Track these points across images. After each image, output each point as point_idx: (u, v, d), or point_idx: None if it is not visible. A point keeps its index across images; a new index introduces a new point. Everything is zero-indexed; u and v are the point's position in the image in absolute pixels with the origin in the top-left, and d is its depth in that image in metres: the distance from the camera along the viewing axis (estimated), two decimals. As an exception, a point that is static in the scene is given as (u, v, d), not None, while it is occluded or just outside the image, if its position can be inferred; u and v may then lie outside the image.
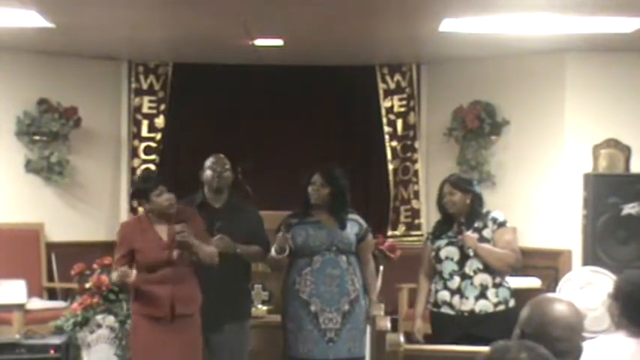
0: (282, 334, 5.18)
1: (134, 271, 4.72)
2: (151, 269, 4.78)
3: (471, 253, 4.92)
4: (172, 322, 4.74)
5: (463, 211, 4.99)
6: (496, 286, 4.94)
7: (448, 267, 4.97)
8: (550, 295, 2.97)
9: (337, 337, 5.01)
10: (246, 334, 5.30)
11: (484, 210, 5.04)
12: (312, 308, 5.03)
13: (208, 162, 5.28)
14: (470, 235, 4.92)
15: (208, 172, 5.24)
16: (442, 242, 5.02)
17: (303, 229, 5.10)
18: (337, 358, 5.02)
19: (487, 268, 4.93)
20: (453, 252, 4.97)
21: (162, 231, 4.80)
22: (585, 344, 2.84)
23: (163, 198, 4.76)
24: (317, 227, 5.10)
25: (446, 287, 4.96)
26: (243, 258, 5.19)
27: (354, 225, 5.15)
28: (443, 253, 4.99)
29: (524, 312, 2.80)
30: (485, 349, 2.39)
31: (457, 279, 4.93)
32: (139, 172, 8.03)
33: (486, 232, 4.97)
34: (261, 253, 5.25)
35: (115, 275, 4.80)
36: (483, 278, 4.92)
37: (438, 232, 5.09)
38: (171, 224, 4.77)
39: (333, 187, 5.08)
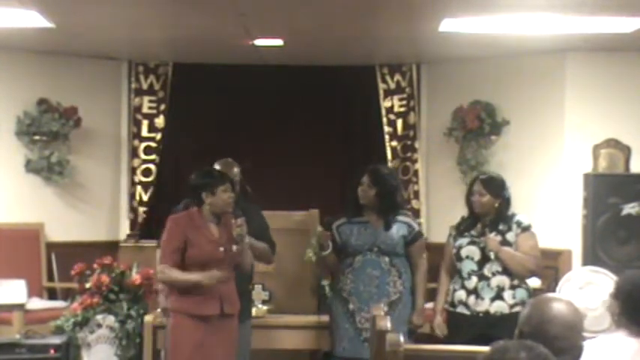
0: (330, 334, 5.26)
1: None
2: (203, 266, 4.69)
3: (492, 256, 4.92)
4: (219, 322, 4.71)
5: (490, 213, 4.99)
6: (513, 287, 4.94)
7: (467, 266, 4.97)
8: (550, 294, 2.98)
9: None
10: (248, 335, 5.30)
11: (509, 212, 5.04)
12: (350, 307, 5.09)
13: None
14: (493, 238, 4.92)
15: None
16: (464, 241, 5.01)
17: (348, 229, 5.16)
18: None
19: (506, 271, 4.93)
20: (473, 252, 4.97)
21: (214, 229, 4.76)
22: (586, 344, 2.84)
23: (227, 195, 4.74)
24: (362, 227, 5.14)
25: (463, 287, 4.97)
26: (252, 252, 5.17)
27: (402, 227, 5.15)
28: (464, 252, 4.99)
29: (524, 311, 2.83)
30: (486, 349, 2.39)
31: (474, 279, 4.94)
32: (139, 172, 8.04)
33: (510, 236, 4.96)
34: (268, 251, 5.25)
35: (185, 277, 4.67)
36: (501, 280, 4.93)
37: (462, 228, 5.07)
38: (220, 225, 4.75)
39: (380, 187, 5.10)
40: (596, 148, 7.19)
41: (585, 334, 2.85)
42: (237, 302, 4.83)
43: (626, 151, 7.17)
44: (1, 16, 5.93)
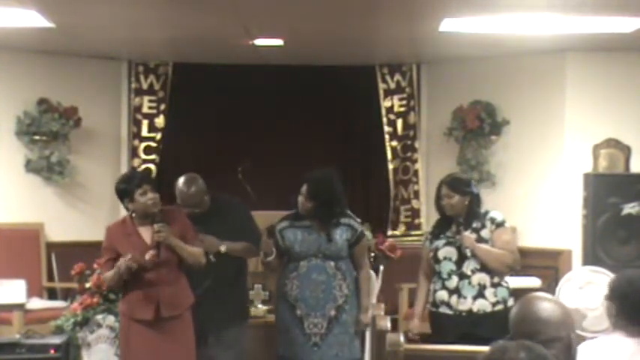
0: (276, 333, 5.21)
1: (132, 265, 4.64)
2: (136, 273, 4.69)
3: (469, 254, 4.92)
4: (159, 324, 4.71)
5: (461, 212, 4.99)
6: (494, 285, 4.93)
7: (446, 267, 4.96)
8: (535, 293, 2.98)
9: (322, 342, 5.02)
10: (246, 336, 5.30)
11: (482, 210, 5.04)
12: (298, 312, 5.06)
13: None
14: (467, 235, 4.92)
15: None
16: (440, 242, 5.01)
17: (293, 233, 5.12)
18: None
19: (485, 268, 4.92)
20: (451, 252, 4.97)
21: (147, 233, 4.74)
22: (584, 345, 2.84)
23: (147, 197, 4.72)
24: (307, 232, 5.11)
25: (444, 287, 4.95)
26: (233, 255, 5.17)
27: (346, 230, 5.12)
28: (441, 254, 4.99)
29: (513, 311, 2.86)
30: (484, 348, 2.39)
31: (455, 279, 4.93)
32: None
33: (484, 233, 4.96)
34: (251, 248, 5.25)
35: (110, 273, 4.73)
36: (481, 277, 4.92)
37: (437, 231, 5.08)
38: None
39: (316, 201, 5.06)
40: (596, 148, 7.19)
41: (586, 334, 2.86)
42: (182, 303, 4.77)
43: (626, 151, 7.17)
44: (1, 16, 5.93)
